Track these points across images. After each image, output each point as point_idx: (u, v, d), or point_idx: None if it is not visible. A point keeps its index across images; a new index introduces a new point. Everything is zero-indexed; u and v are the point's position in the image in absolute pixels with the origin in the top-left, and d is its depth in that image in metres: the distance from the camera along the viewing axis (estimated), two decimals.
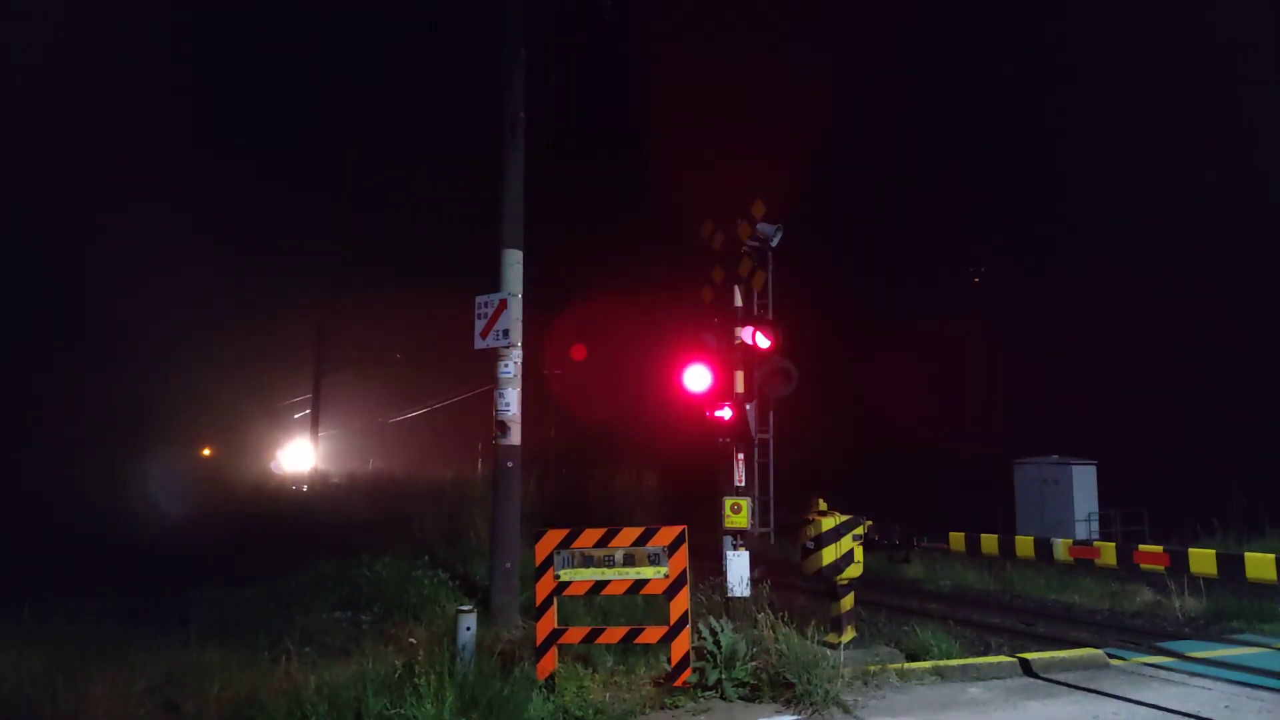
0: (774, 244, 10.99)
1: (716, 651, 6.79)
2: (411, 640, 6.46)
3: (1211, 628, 10.39)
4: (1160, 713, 6.62)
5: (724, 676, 6.63)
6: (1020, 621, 10.91)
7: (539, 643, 6.47)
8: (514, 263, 9.99)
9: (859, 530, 8.86)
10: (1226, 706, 6.80)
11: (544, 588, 6.56)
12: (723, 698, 6.55)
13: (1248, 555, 13.35)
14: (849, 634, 8.52)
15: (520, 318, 9.84)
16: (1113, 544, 15.31)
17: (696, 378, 10.81)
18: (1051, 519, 20.45)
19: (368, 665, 5.99)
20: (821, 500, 9.18)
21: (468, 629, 6.13)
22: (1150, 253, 28.47)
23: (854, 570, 8.70)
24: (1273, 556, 13.08)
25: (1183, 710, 6.65)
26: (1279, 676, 7.77)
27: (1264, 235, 25.36)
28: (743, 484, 10.27)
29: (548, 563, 6.60)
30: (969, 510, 21.47)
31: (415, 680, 5.59)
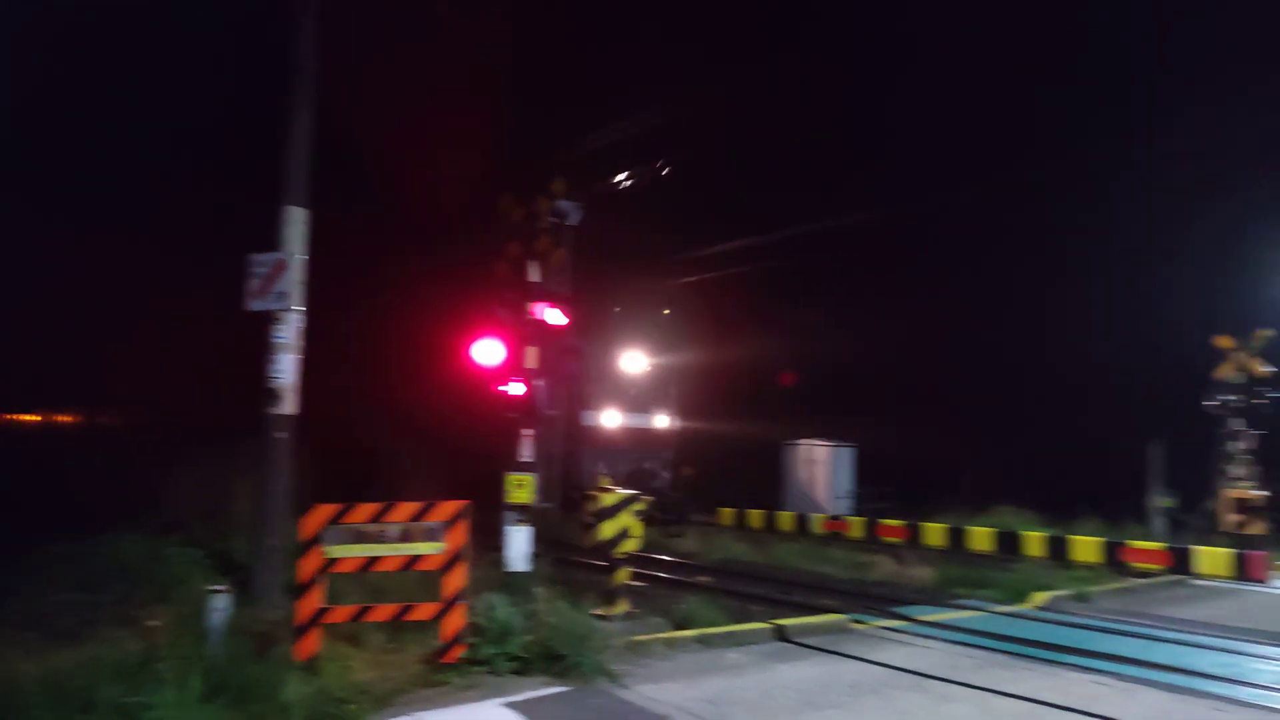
0: (572, 222, 11.06)
1: (491, 627, 6.79)
2: (153, 622, 5.96)
3: (940, 594, 11.64)
4: (891, 670, 7.36)
5: (496, 651, 6.65)
6: (779, 591, 11.72)
7: (300, 622, 6.18)
8: (297, 221, 9.39)
9: (638, 506, 9.15)
10: (947, 663, 7.67)
11: (308, 565, 6.27)
12: (493, 673, 6.56)
13: (969, 529, 15.11)
14: (622, 606, 8.79)
15: (302, 280, 9.27)
16: (860, 519, 16.77)
17: (487, 352, 10.70)
18: (814, 496, 22.13)
19: (101, 650, 5.46)
20: (605, 477, 9.40)
21: (219, 609, 5.74)
22: (921, 261, 31.33)
23: (631, 544, 8.98)
24: (989, 530, 14.89)
25: (909, 668, 7.43)
26: (992, 636, 8.86)
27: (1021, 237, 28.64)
28: (530, 459, 10.33)
29: (315, 539, 6.31)
30: (754, 488, 22.98)
31: (157, 665, 5.17)
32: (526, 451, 10.16)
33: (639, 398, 24.44)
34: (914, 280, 31.49)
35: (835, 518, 17.42)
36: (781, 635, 8.48)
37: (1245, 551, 12.94)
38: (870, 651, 8.01)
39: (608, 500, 8.90)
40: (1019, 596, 11.03)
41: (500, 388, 10.17)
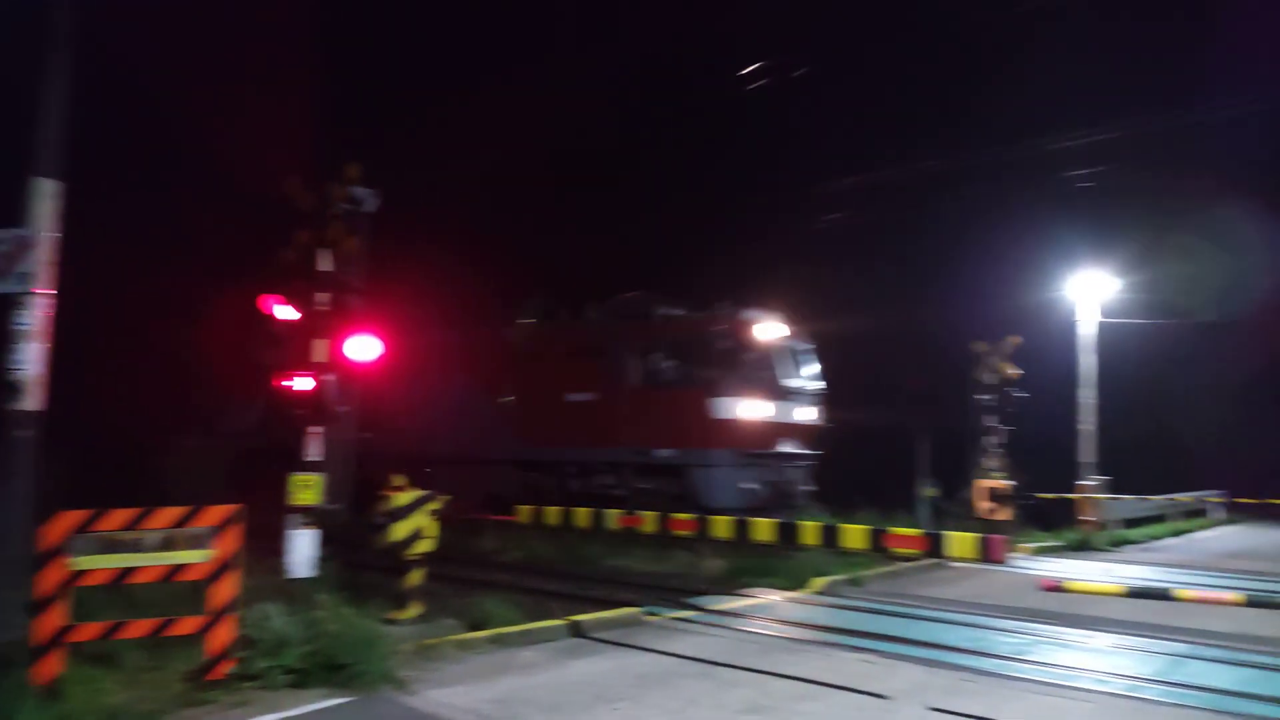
0: (368, 209, 10.60)
1: (265, 638, 6.38)
2: None
3: (730, 583, 12.14)
4: (680, 660, 7.59)
5: (271, 664, 6.24)
6: (578, 587, 11.80)
7: (39, 642, 5.52)
8: (48, 195, 8.39)
9: (434, 505, 8.92)
10: (733, 650, 8.00)
11: (49, 579, 5.60)
12: (267, 687, 6.16)
13: (752, 521, 15.90)
14: (414, 609, 8.54)
15: (52, 261, 8.30)
16: (653, 514, 17.16)
17: (273, 344, 10.09)
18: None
19: None
20: (398, 476, 9.08)
21: None
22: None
23: (425, 545, 8.74)
24: (770, 521, 15.74)
25: (698, 656, 7.68)
26: (773, 621, 9.35)
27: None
28: (316, 459, 9.83)
29: (57, 549, 5.65)
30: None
31: None
32: (314, 450, 9.65)
33: (774, 379, 17.95)
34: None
35: (630, 514, 17.70)
36: (577, 631, 8.53)
37: (987, 536, 14.38)
38: (662, 643, 8.22)
39: (401, 500, 8.62)
40: (800, 583, 11.72)
41: (286, 382, 9.60)
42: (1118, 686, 6.99)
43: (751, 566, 12.66)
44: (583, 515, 17.97)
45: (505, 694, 6.40)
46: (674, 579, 12.72)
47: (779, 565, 12.54)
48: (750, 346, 17.79)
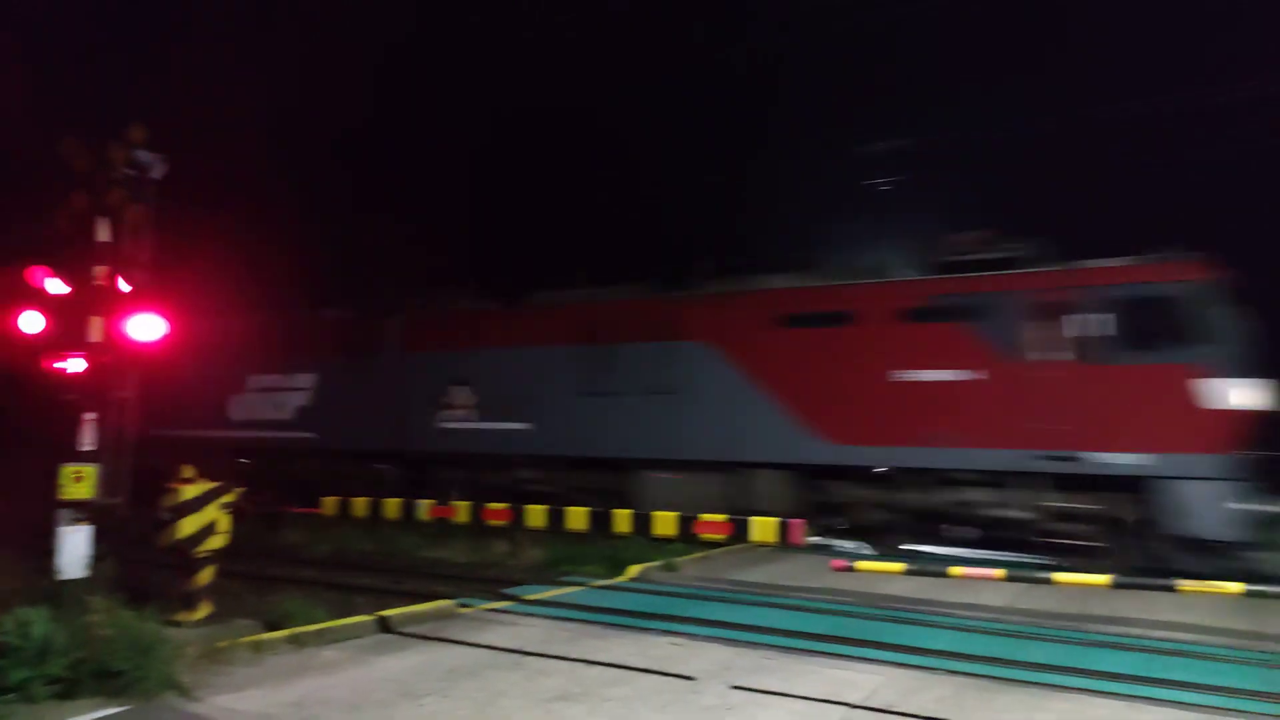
0: (155, 175, 9.72)
1: (25, 646, 5.71)
2: None
3: (548, 572, 12.17)
4: (492, 651, 7.50)
5: (31, 675, 5.60)
6: (390, 580, 11.43)
7: None
8: None
9: (227, 498, 8.32)
10: (546, 639, 7.99)
11: None
12: (28, 699, 5.53)
13: (569, 510, 15.99)
14: (203, 610, 7.94)
15: None
16: (467, 503, 16.86)
17: (37, 321, 9.08)
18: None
19: None
20: (188, 467, 8.40)
21: None
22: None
23: (217, 541, 8.14)
24: (584, 510, 15.89)
25: (510, 647, 7.62)
26: (591, 609, 9.43)
27: None
28: (92, 448, 8.93)
29: None
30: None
31: None
32: (88, 439, 8.76)
33: (1256, 351, 12.49)
34: None
35: (442, 504, 17.29)
36: (385, 627, 8.23)
37: (786, 520, 15.09)
38: (475, 635, 8.09)
39: (189, 492, 7.98)
40: (617, 570, 11.91)
41: (56, 364, 8.65)
42: (901, 658, 7.55)
43: (570, 555, 12.75)
44: (392, 506, 17.39)
45: (302, 696, 6.07)
46: (493, 569, 12.58)
47: (597, 553, 12.69)
48: (1229, 306, 12.56)
